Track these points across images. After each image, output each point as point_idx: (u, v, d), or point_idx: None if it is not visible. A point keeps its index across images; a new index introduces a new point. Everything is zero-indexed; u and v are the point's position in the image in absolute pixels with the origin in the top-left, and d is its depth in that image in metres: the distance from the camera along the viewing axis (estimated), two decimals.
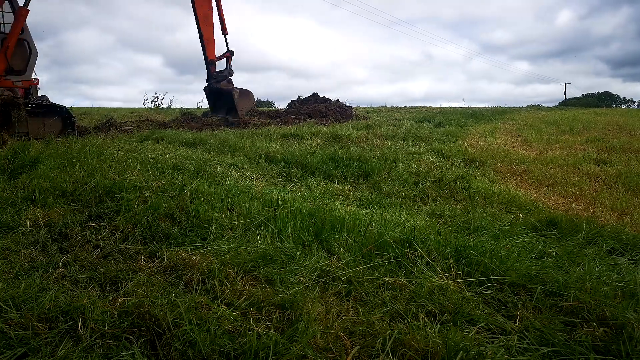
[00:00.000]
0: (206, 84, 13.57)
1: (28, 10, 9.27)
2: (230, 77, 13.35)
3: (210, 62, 12.87)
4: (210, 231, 3.26)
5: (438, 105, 35.07)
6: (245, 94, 13.48)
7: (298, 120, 13.56)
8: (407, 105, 30.55)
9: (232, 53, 13.27)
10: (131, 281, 2.53)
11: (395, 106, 29.47)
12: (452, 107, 29.34)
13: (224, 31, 12.82)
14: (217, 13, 12.73)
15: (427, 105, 31.30)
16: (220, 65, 13.57)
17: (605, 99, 76.28)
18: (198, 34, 12.51)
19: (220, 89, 13.20)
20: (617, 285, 2.52)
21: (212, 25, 12.59)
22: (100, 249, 3.04)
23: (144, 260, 2.85)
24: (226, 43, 13.12)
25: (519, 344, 2.02)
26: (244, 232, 3.30)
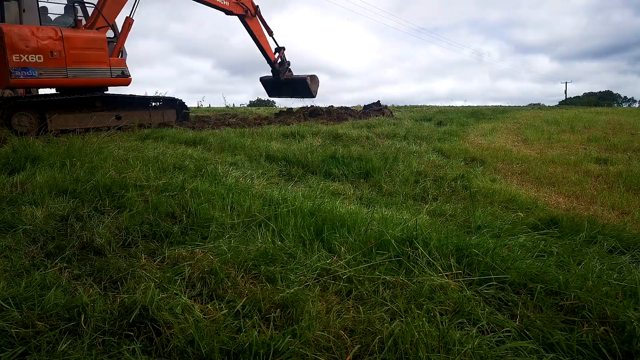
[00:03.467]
0: (270, 76, 16.05)
1: (133, 20, 11.06)
2: (289, 67, 15.88)
3: (273, 62, 15.41)
4: (211, 230, 3.26)
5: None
6: (314, 78, 16.02)
7: (298, 120, 13.64)
8: (409, 104, 30.53)
9: (283, 48, 15.69)
10: (132, 279, 2.53)
11: (396, 105, 29.44)
12: (452, 106, 29.32)
13: (270, 33, 15.17)
14: (262, 23, 15.02)
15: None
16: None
17: (607, 98, 76.14)
18: (257, 46, 14.99)
19: (291, 78, 15.81)
20: (618, 284, 2.52)
21: (264, 36, 14.99)
22: (100, 247, 3.04)
23: (145, 259, 2.85)
24: (275, 41, 15.44)
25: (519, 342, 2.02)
26: (245, 230, 3.30)
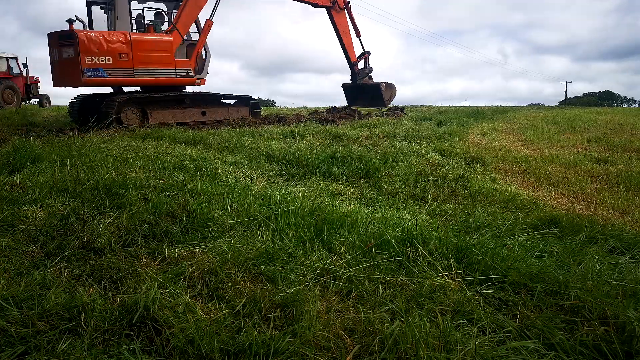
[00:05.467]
0: (350, 81, 15.81)
1: (212, 22, 11.68)
2: (371, 73, 15.56)
3: (353, 64, 15.15)
4: (211, 230, 3.26)
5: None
6: (389, 86, 15.66)
7: (298, 121, 13.68)
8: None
9: (369, 53, 15.35)
10: (132, 279, 2.53)
11: (396, 105, 29.39)
12: (452, 106, 29.31)
13: (358, 34, 14.97)
14: (350, 20, 15.02)
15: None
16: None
17: (607, 98, 76.14)
18: (339, 43, 14.79)
19: (365, 84, 15.49)
20: (618, 284, 2.52)
21: (349, 34, 14.87)
22: (100, 247, 3.04)
23: (145, 259, 2.85)
24: (361, 44, 15.15)
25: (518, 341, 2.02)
26: (245, 230, 3.30)
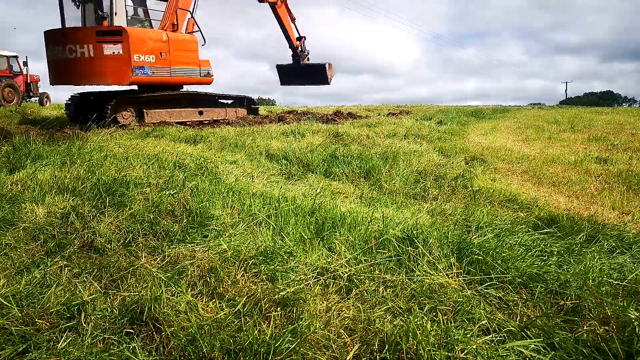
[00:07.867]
0: (286, 64, 16.54)
1: (195, 21, 11.67)
2: (308, 55, 16.56)
3: (295, 47, 16.17)
4: (211, 228, 3.26)
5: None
6: (331, 66, 16.42)
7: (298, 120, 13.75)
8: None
9: (304, 37, 16.41)
10: (132, 278, 2.53)
11: (396, 104, 29.42)
12: (452, 105, 29.30)
13: (293, 20, 15.99)
14: (287, 10, 15.94)
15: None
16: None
17: (607, 98, 76.07)
18: (282, 32, 15.80)
19: (311, 64, 16.32)
20: (619, 284, 2.52)
21: (289, 22, 15.83)
22: (101, 245, 3.04)
23: (145, 257, 2.85)
24: (296, 29, 16.12)
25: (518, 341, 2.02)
26: (245, 229, 3.30)
